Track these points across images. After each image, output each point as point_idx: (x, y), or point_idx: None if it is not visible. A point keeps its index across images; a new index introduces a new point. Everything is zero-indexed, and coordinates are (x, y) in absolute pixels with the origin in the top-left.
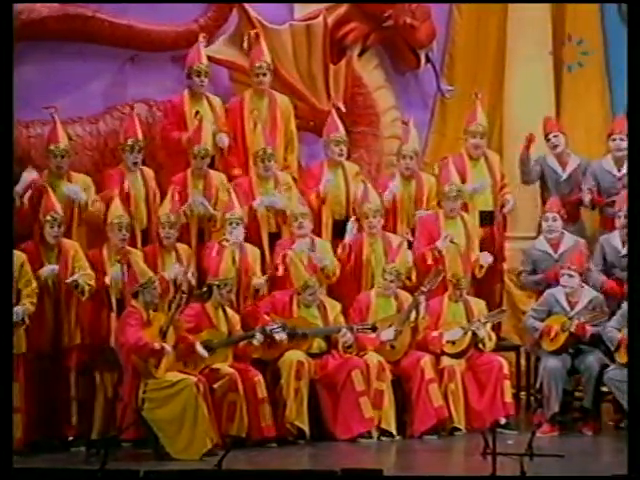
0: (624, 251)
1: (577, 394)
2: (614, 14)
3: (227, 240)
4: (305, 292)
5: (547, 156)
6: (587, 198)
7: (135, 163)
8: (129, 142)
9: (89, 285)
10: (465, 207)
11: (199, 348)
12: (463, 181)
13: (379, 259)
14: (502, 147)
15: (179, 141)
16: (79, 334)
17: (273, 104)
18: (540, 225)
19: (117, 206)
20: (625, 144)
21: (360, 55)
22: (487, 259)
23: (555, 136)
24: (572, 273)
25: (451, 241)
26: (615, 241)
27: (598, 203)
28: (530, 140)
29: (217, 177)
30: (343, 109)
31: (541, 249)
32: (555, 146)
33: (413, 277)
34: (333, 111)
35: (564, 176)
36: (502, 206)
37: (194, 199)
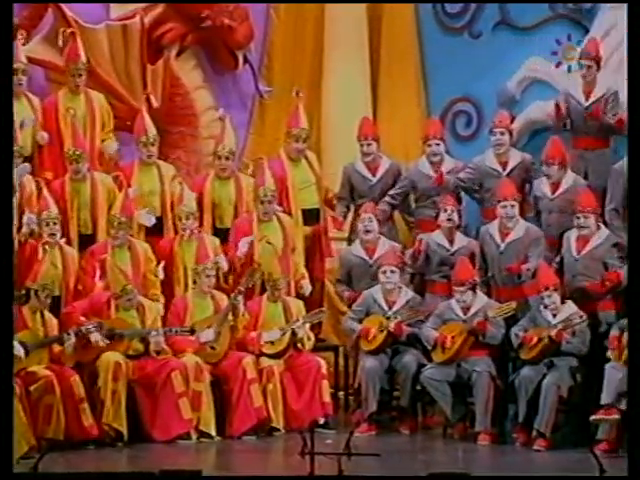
0: (453, 248)
1: (394, 393)
2: (429, 17)
3: (47, 243)
4: (123, 297)
5: (356, 162)
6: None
7: None
8: None
9: None
10: (288, 207)
11: (16, 344)
12: (284, 182)
13: (192, 260)
14: (320, 147)
15: None
16: None
17: (90, 103)
18: (352, 227)
19: None
20: (440, 148)
21: (178, 55)
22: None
23: (369, 144)
24: (393, 269)
25: (267, 242)
26: (440, 239)
27: None
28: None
29: (30, 183)
30: (155, 104)
31: (357, 254)
32: (366, 154)
33: (230, 278)
34: (143, 111)
35: (374, 180)
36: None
37: None
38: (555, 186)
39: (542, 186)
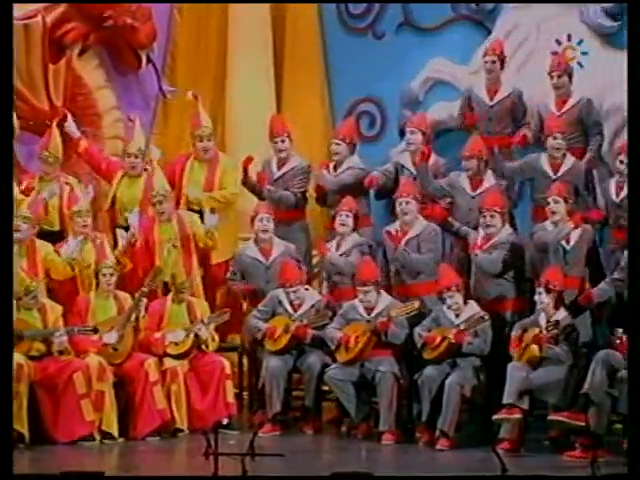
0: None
1: (298, 393)
2: (333, 17)
3: None
4: (27, 297)
5: (272, 159)
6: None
7: None
8: None
9: None
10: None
11: None
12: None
13: (92, 260)
14: (225, 146)
15: None
16: None
17: None
18: None
19: None
20: (341, 148)
21: (80, 55)
22: None
23: (282, 141)
24: (298, 288)
25: (173, 246)
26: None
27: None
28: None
29: None
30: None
31: (251, 256)
32: (280, 150)
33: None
34: (53, 125)
35: (278, 174)
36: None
37: None
38: (476, 183)
39: (462, 181)
